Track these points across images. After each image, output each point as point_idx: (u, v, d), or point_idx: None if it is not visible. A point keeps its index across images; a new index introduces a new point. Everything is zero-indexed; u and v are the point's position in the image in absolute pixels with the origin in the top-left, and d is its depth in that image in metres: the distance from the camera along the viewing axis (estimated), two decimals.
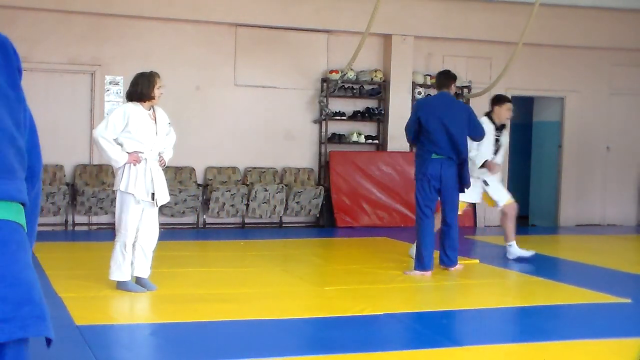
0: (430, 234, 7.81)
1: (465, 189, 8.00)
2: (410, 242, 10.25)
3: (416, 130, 7.93)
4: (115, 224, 6.67)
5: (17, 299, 1.88)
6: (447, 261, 7.97)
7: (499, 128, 8.95)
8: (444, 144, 7.76)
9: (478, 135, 8.08)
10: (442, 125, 7.75)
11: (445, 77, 8.11)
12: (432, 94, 12.68)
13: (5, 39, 2.09)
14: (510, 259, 8.97)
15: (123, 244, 6.51)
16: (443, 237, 7.94)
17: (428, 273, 7.69)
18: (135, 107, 6.52)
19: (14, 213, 1.95)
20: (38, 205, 2.18)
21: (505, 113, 8.94)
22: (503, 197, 9.04)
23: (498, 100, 9.08)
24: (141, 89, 6.50)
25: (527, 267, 8.56)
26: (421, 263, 7.73)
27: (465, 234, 11.70)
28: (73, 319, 5.51)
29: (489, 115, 9.02)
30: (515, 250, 9.00)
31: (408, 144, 12.44)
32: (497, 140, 8.91)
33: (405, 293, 7.10)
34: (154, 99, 6.54)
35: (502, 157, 9.07)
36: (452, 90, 8.13)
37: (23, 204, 2.01)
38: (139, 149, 6.49)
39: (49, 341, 1.96)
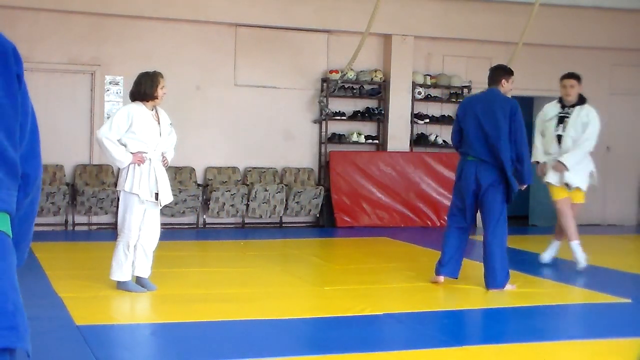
0: (450, 240, 7.14)
1: (511, 199, 7.02)
2: (410, 242, 10.27)
3: (458, 131, 7.21)
4: (118, 224, 6.66)
5: None
6: (486, 282, 7.07)
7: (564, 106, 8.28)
8: (479, 144, 6.96)
9: (518, 141, 6.94)
10: (477, 123, 6.99)
11: (494, 72, 7.28)
12: (431, 94, 12.75)
13: (7, 44, 2.06)
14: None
15: (126, 244, 6.51)
16: (483, 254, 7.10)
17: (440, 278, 7.18)
18: (139, 108, 6.52)
19: None
20: (33, 212, 2.15)
21: (561, 90, 8.36)
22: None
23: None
24: (144, 89, 6.51)
25: (528, 267, 8.55)
26: (436, 267, 7.22)
27: None
28: (73, 319, 5.51)
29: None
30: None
31: (408, 144, 12.48)
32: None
33: (405, 293, 7.09)
34: (157, 99, 6.54)
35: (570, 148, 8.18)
36: (504, 86, 7.17)
37: (9, 212, 1.98)
38: (143, 149, 6.50)
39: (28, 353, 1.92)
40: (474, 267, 8.63)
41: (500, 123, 6.87)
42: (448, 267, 7.15)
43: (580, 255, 8.31)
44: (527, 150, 7.07)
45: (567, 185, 8.30)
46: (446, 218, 7.35)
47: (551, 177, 8.32)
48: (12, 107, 2.01)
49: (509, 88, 7.24)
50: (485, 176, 6.93)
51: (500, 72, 7.23)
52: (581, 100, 8.36)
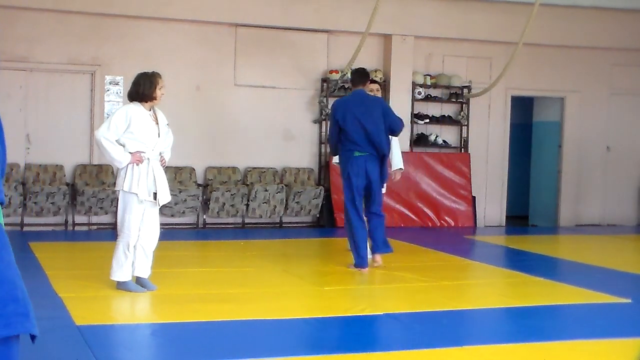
0: (363, 230, 7.87)
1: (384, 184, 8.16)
2: (409, 241, 10.28)
3: (338, 132, 7.96)
4: (118, 224, 6.66)
5: (0, 297, 1.88)
6: (375, 247, 8.01)
7: None
8: (362, 141, 7.83)
9: (396, 129, 8.11)
10: (358, 123, 7.82)
11: (361, 75, 8.14)
12: (431, 94, 12.74)
13: None
14: None
15: (126, 244, 6.51)
16: (373, 227, 7.96)
17: (365, 270, 7.80)
18: (137, 108, 6.52)
19: None
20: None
21: None
22: None
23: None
24: (143, 90, 6.50)
25: (527, 267, 8.55)
26: (359, 260, 7.83)
27: (465, 233, 11.71)
28: (73, 319, 5.51)
29: None
30: None
31: (408, 145, 12.47)
32: None
33: (405, 293, 7.09)
34: (155, 99, 6.53)
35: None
36: (368, 87, 8.17)
37: (1, 204, 2.00)
38: (141, 149, 6.49)
39: (33, 337, 1.97)
40: (474, 268, 8.65)
41: (378, 121, 7.85)
42: (366, 258, 7.89)
43: None
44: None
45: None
46: (351, 214, 7.90)
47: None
48: None
49: (370, 89, 8.27)
50: (373, 168, 7.86)
51: (365, 75, 8.16)
52: None
